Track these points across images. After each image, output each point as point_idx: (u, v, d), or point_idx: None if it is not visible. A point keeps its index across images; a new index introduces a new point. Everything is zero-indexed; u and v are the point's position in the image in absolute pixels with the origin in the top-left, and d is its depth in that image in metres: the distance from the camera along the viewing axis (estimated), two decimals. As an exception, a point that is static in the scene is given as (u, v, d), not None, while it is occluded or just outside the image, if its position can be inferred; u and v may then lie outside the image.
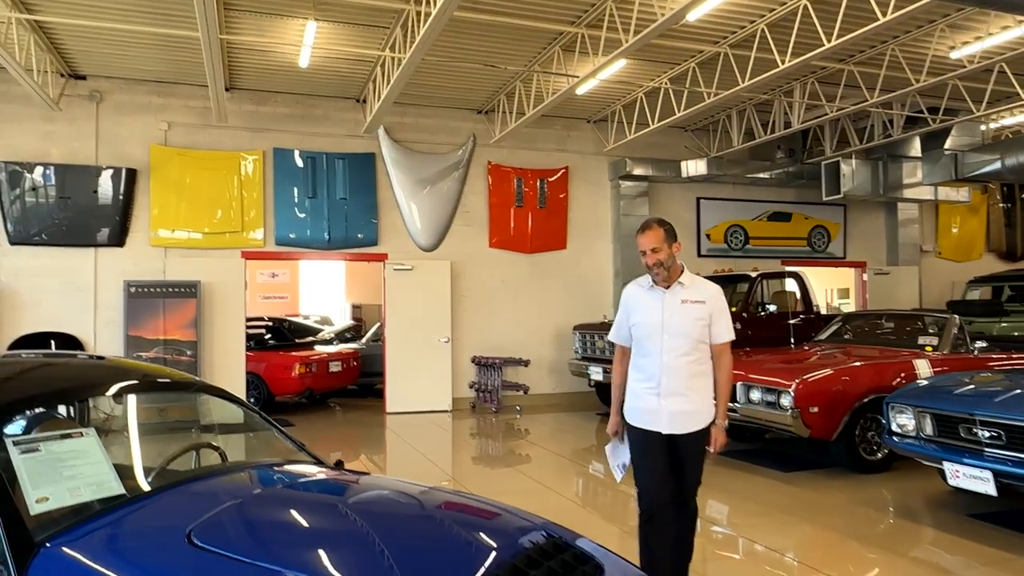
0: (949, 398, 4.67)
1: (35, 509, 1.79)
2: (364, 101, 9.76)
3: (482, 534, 1.93)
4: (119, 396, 2.41)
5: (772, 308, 8.81)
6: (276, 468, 2.46)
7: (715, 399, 3.28)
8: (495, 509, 2.16)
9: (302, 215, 9.63)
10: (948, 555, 4.17)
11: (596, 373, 8.86)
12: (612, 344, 9.24)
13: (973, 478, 4.29)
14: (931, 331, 6.76)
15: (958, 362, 6.04)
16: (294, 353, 9.97)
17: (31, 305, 8.51)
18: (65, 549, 1.71)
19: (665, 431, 3.22)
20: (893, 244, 12.76)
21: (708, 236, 11.64)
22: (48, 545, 1.72)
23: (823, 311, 9.69)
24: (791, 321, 7.98)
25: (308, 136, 9.68)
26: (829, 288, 14.61)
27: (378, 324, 11.96)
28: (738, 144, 10.38)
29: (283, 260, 10.59)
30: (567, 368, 10.04)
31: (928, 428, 4.70)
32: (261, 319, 11.22)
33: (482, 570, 1.70)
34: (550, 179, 10.76)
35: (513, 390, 9.93)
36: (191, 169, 9.11)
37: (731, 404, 6.26)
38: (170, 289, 8.70)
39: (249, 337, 9.63)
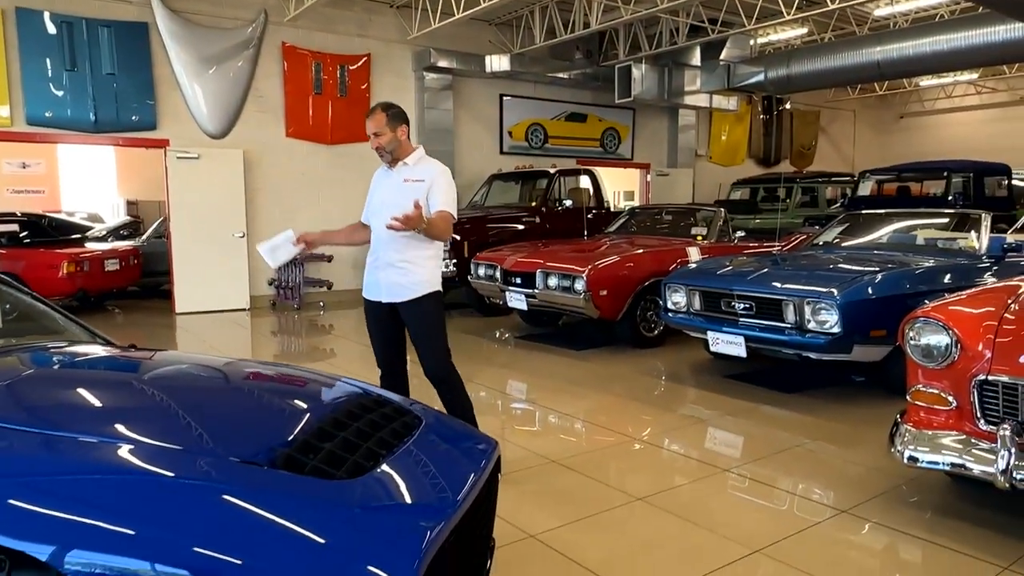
0: (713, 277, 5.34)
1: None
2: (131, -41, 8.46)
3: (296, 396, 1.93)
4: None
5: (568, 203, 9.34)
6: (61, 348, 2.24)
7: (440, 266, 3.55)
8: (307, 374, 2.16)
9: (59, 92, 8.31)
10: (706, 409, 4.89)
11: (402, 267, 8.89)
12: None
13: (729, 343, 5.02)
14: (701, 223, 7.61)
15: (722, 249, 6.89)
16: (60, 250, 8.82)
17: None
18: None
19: (385, 300, 3.49)
20: (673, 148, 13.95)
21: (510, 134, 11.88)
22: None
23: (612, 209, 10.45)
24: (584, 215, 8.52)
25: (60, -4, 8.24)
26: (616, 190, 15.70)
27: (161, 219, 10.91)
28: (540, 41, 10.53)
29: (39, 143, 9.13)
30: (372, 263, 9.95)
31: (696, 304, 5.37)
32: (12, 214, 9.72)
33: (300, 426, 1.71)
34: (351, 67, 10.22)
35: (316, 286, 9.69)
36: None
37: (531, 290, 6.70)
38: None
39: (0, 235, 8.33)
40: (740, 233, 7.45)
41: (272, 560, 1.31)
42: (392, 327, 3.54)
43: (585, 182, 9.86)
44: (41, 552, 1.27)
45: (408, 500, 1.52)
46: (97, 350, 2.28)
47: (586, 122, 12.78)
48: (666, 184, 13.50)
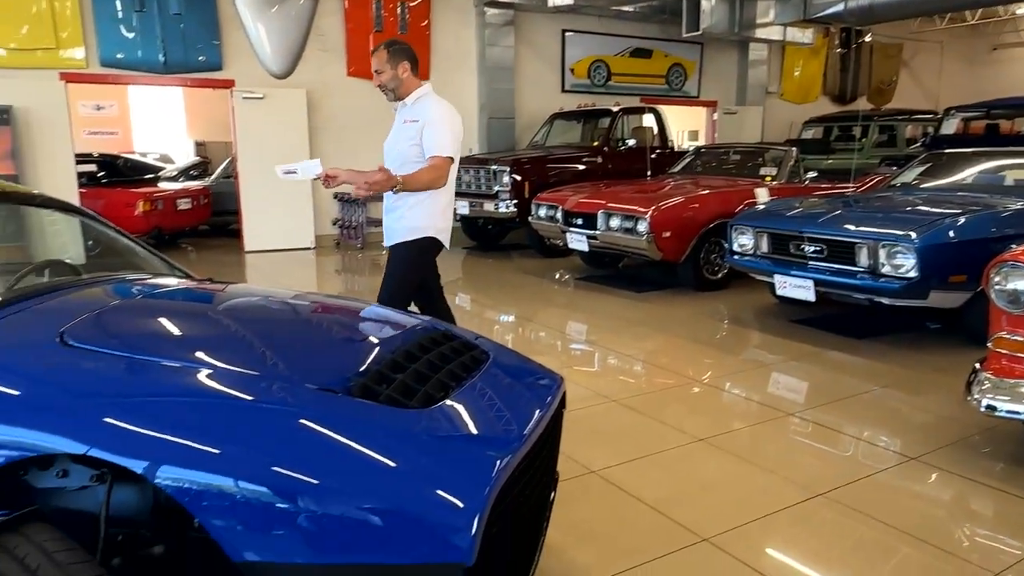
0: (783, 219, 5.17)
1: None
2: None
3: (369, 329, 1.98)
4: None
5: (631, 143, 9.12)
6: (145, 280, 2.34)
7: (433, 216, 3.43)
8: (378, 308, 2.21)
9: (129, 33, 8.47)
10: (770, 353, 4.81)
11: (462, 207, 8.90)
12: (476, 178, 9.24)
13: (797, 287, 4.88)
14: (770, 164, 7.34)
15: (792, 190, 6.64)
16: (136, 190, 9.17)
17: None
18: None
19: (385, 244, 3.53)
20: (742, 85, 13.37)
21: (572, 71, 11.59)
22: None
23: (676, 149, 10.16)
24: (649, 156, 8.32)
25: (128, -64, 8.32)
26: (679, 130, 15.24)
27: (228, 160, 11.17)
28: (605, -27, 10.13)
29: (111, 84, 9.38)
30: (432, 204, 9.99)
31: (764, 246, 5.23)
32: (90, 155, 10.10)
33: (373, 357, 1.76)
34: (411, 3, 10.07)
35: (378, 226, 9.81)
36: (-17, -30, 7.65)
37: (592, 231, 6.64)
38: (-25, 115, 7.56)
39: (79, 175, 8.69)
40: (812, 174, 7.16)
41: (345, 481, 1.37)
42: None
43: (649, 121, 9.59)
44: (136, 467, 1.36)
45: (477, 432, 1.56)
46: (179, 282, 2.37)
47: (651, 58, 12.34)
48: (733, 123, 13.01)
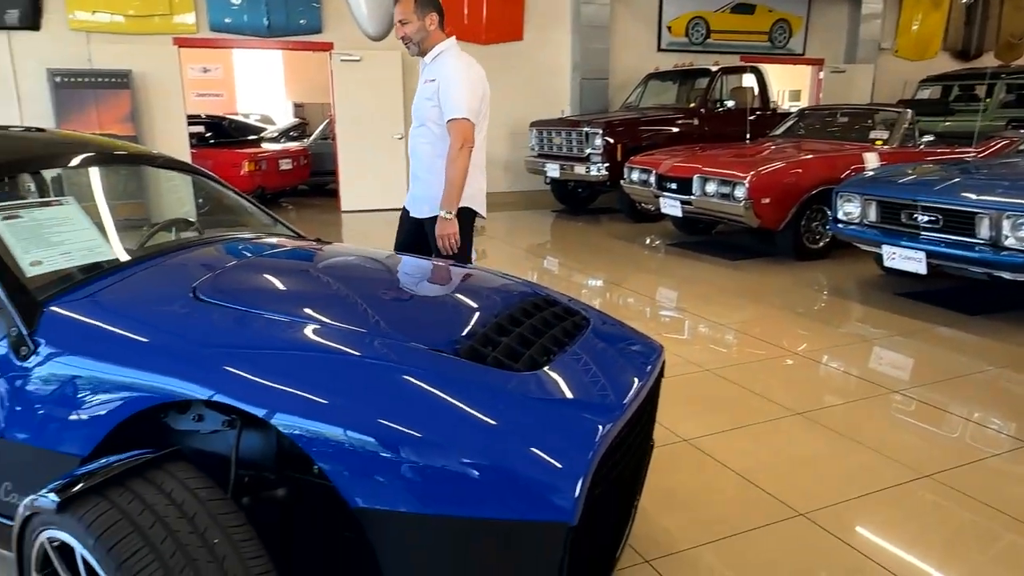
0: (894, 186, 4.89)
1: (30, 271, 1.79)
2: None
3: (476, 292, 2.03)
4: (81, 168, 2.29)
5: (730, 104, 8.78)
6: (263, 240, 2.48)
7: None
8: (482, 272, 2.26)
9: (237, -1, 8.80)
10: (873, 327, 4.61)
11: (553, 170, 8.88)
12: (567, 141, 9.12)
13: (907, 259, 4.63)
14: (881, 126, 6.91)
15: (904, 155, 6.25)
16: (242, 150, 9.60)
17: (-56, 96, 7.84)
18: (69, 308, 1.74)
19: (412, 213, 3.29)
20: (853, 41, 12.56)
21: (669, 29, 11.20)
22: (52, 305, 1.74)
23: (778, 110, 9.71)
24: (747, 116, 8.00)
25: (235, -98, 8.57)
26: (780, 90, 14.53)
27: (326, 121, 11.50)
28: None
29: (219, 48, 9.81)
30: (522, 165, 10.01)
31: (872, 215, 4.97)
32: (199, 116, 10.62)
33: (480, 320, 1.81)
34: (506, -39, 9.96)
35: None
36: (104, -61, 8.08)
37: (686, 196, 6.48)
38: (100, 79, 8.07)
39: (189, 135, 9.17)
40: (927, 137, 6.70)
41: (449, 435, 1.42)
42: (414, 242, 3.30)
43: (750, 81, 9.20)
44: (260, 413, 1.47)
45: (581, 397, 1.59)
46: (293, 242, 2.50)
47: (754, 14, 11.75)
48: (841, 82, 12.27)
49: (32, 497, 1.35)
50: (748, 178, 5.88)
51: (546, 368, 1.64)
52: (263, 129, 12.17)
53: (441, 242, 3.08)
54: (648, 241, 7.56)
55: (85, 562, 1.29)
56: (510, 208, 10.03)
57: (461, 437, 1.43)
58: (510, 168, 10.48)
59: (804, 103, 13.28)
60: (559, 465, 1.38)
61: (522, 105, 10.30)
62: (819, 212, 6.12)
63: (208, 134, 10.35)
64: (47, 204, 1.97)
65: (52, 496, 1.29)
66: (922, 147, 6.58)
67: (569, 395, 1.58)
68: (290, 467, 1.59)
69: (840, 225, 5.24)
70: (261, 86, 15.97)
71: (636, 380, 1.72)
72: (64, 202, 2.02)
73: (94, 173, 2.35)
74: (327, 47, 9.35)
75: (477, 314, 1.85)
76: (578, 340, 1.82)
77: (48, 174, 2.42)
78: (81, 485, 1.31)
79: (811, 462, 2.82)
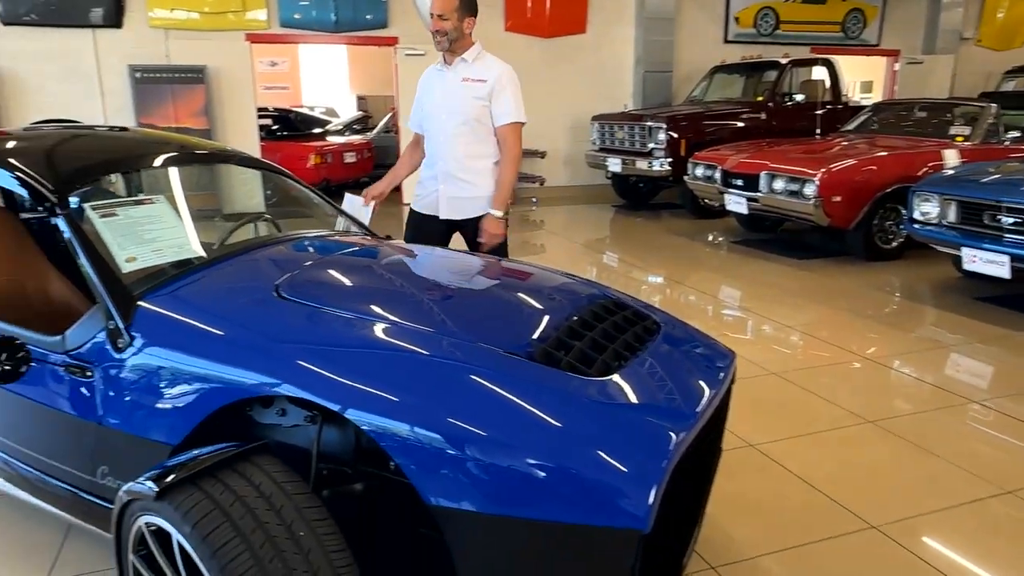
0: (976, 186, 4.68)
1: (126, 267, 1.88)
2: None
3: (542, 293, 2.05)
4: (165, 166, 2.38)
5: (799, 98, 8.54)
6: (336, 237, 2.55)
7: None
8: (552, 273, 2.27)
9: (306, -6, 8.99)
10: (949, 333, 4.44)
11: (614, 165, 8.80)
12: (630, 135, 8.99)
13: (989, 262, 4.44)
14: (963, 121, 6.61)
15: (987, 152, 5.97)
16: (309, 143, 9.84)
17: (35, 91, 8.26)
18: (161, 303, 1.83)
19: (443, 216, 3.21)
20: (932, 30, 12.00)
21: (737, 20, 10.93)
22: (145, 300, 1.83)
23: (850, 103, 9.38)
24: (818, 111, 7.76)
25: (306, -100, 8.75)
26: (852, 81, 14.02)
27: (390, 114, 11.67)
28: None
29: (288, 43, 10.05)
30: (583, 160, 9.95)
31: (951, 215, 4.77)
32: (267, 109, 10.92)
33: (544, 326, 1.81)
34: (571, -46, 9.89)
35: (528, 182, 9.93)
36: (182, -61, 8.38)
37: (752, 193, 6.35)
38: (176, 75, 8.38)
39: (258, 128, 9.44)
40: (1013, 133, 6.38)
41: (521, 439, 1.44)
42: (437, 244, 3.19)
43: (821, 73, 8.91)
44: (339, 409, 1.51)
45: (655, 404, 1.59)
46: (365, 240, 2.56)
47: (826, 3, 11.34)
48: (918, 74, 11.76)
49: (131, 484, 1.43)
50: (818, 175, 5.71)
51: (619, 374, 1.64)
52: (328, 122, 12.43)
53: (493, 241, 3.12)
54: (711, 238, 7.43)
55: (180, 547, 1.37)
56: (569, 202, 10.00)
57: (535, 440, 1.44)
58: (570, 162, 10.44)
59: (876, 95, 12.78)
60: (634, 473, 1.39)
61: (583, 99, 10.24)
62: (893, 211, 5.91)
63: (275, 127, 10.63)
64: (140, 202, 2.07)
65: (151, 484, 1.37)
66: (1007, 144, 6.26)
67: (643, 402, 1.58)
68: (368, 463, 1.64)
69: (916, 226, 5.04)
70: (326, 79, 16.30)
71: (709, 388, 1.71)
72: (155, 200, 2.12)
73: (176, 171, 2.45)
74: (392, 41, 9.48)
75: (549, 317, 1.86)
76: (650, 345, 1.82)
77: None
78: (177, 474, 1.38)
79: (883, 472, 2.74)
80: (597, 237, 7.91)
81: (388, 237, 2.87)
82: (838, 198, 5.71)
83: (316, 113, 13.55)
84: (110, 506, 1.85)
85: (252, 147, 9.06)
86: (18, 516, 2.43)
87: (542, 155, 9.83)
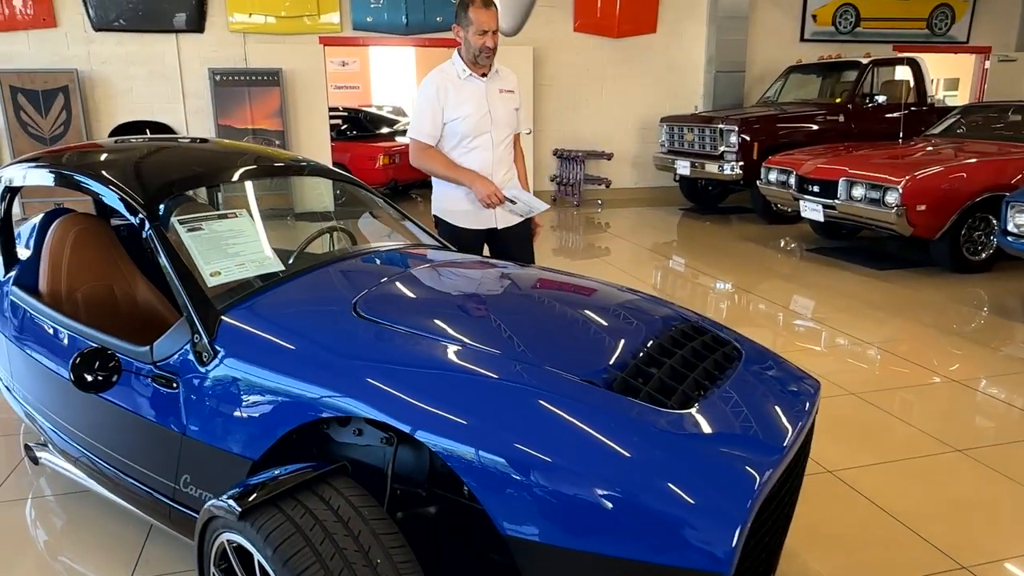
0: (1079, 197, 4.39)
1: (211, 282, 1.93)
2: None
3: (616, 315, 2.00)
4: (246, 179, 2.42)
5: (881, 99, 8.18)
6: (409, 251, 2.56)
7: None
8: (625, 291, 2.22)
9: (378, -2, 9.14)
10: (1045, 353, 4.17)
11: (683, 167, 8.64)
12: (700, 137, 8.77)
13: (1091, 280, 4.15)
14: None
15: (1091, 160, 5.59)
16: (378, 144, 9.99)
17: (123, 93, 8.66)
18: (243, 318, 1.86)
19: (500, 226, 3.20)
20: (1027, 25, 11.34)
21: (814, 17, 10.55)
22: (228, 314, 1.88)
23: (935, 105, 8.94)
24: (900, 114, 7.42)
25: (379, -96, 8.88)
26: (935, 79, 13.37)
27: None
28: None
29: (360, 46, 10.24)
30: (651, 162, 9.80)
31: (1049, 228, 4.49)
32: (337, 109, 11.14)
33: (621, 352, 1.76)
34: (643, -48, 9.74)
35: (595, 184, 9.85)
36: (261, -55, 8.63)
37: (829, 200, 6.13)
38: (254, 77, 8.65)
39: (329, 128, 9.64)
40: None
41: (601, 474, 1.39)
42: (493, 248, 3.35)
43: (904, 74, 8.51)
44: (414, 432, 1.50)
45: (739, 439, 1.52)
46: (437, 255, 2.57)
47: (911, -1, 10.85)
48: (1011, 72, 11.09)
49: (215, 500, 1.46)
50: (902, 183, 5.45)
51: (701, 405, 1.58)
52: (396, 121, 12.60)
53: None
54: (783, 244, 7.20)
55: (261, 567, 1.39)
56: (635, 204, 9.87)
57: (615, 476, 1.39)
58: (637, 164, 10.30)
59: (962, 94, 12.15)
60: (718, 512, 1.33)
61: (652, 99, 10.09)
62: (983, 221, 5.60)
63: (344, 126, 10.84)
64: (224, 216, 2.13)
65: (233, 504, 1.39)
66: (1113, 150, 5.86)
67: (727, 436, 1.52)
68: (441, 486, 1.63)
69: (1010, 238, 4.76)
70: (394, 78, 16.54)
71: (795, 421, 1.64)
72: (238, 214, 2.17)
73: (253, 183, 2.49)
74: (457, 43, 9.51)
75: (625, 341, 1.81)
76: (731, 375, 1.75)
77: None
78: (259, 495, 1.40)
79: (974, 507, 2.59)
80: (663, 241, 7.77)
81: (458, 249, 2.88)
82: (923, 207, 5.44)
83: (384, 112, 13.76)
84: (190, 512, 1.91)
85: (323, 148, 9.27)
86: (104, 514, 2.54)
87: (609, 157, 9.73)
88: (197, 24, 8.63)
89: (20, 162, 2.61)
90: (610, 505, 1.36)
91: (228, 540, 1.47)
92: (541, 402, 1.53)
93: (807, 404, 1.74)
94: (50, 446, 2.60)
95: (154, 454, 1.98)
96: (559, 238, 8.26)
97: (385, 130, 11.43)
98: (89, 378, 1.77)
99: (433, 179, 3.27)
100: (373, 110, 13.29)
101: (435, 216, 3.29)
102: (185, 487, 1.90)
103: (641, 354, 1.74)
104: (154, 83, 8.71)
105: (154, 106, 8.74)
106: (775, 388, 1.77)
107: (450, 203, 3.21)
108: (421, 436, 1.49)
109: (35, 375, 2.44)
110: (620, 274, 6.19)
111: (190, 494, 1.89)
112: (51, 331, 2.33)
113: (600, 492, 1.38)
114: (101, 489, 2.34)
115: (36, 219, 2.87)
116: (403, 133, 11.84)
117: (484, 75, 3.09)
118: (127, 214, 2.06)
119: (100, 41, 8.48)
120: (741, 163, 7.80)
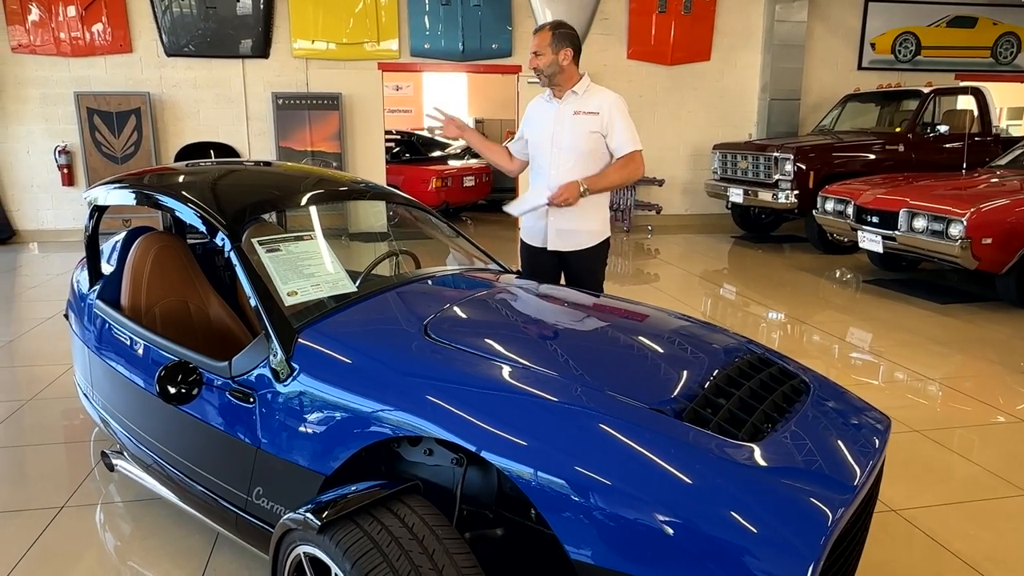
0: None
1: (288, 301, 2.01)
2: None
3: (684, 345, 2.01)
4: (315, 203, 2.49)
5: (943, 129, 8.00)
6: (475, 275, 2.61)
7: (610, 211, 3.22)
8: (691, 321, 2.22)
9: (436, 24, 9.36)
10: (1122, 395, 3.99)
11: (735, 195, 8.57)
12: (754, 165, 8.73)
13: None
14: None
15: None
16: (431, 167, 10.18)
17: (191, 115, 9.03)
18: (319, 338, 1.93)
19: (551, 247, 3.23)
20: (1098, 55, 11.00)
21: (873, 46, 10.42)
22: (304, 334, 1.94)
23: (1001, 135, 8.70)
24: (964, 144, 7.24)
25: (440, -65, 9.14)
26: (999, 108, 13.01)
27: (508, 139, 11.87)
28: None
29: (417, 72, 10.49)
30: (702, 189, 9.75)
31: None
32: (391, 132, 11.39)
33: (688, 382, 1.77)
34: (698, -19, 9.78)
35: (645, 210, 9.83)
36: (325, -25, 8.94)
37: (889, 231, 6.00)
38: (314, 101, 8.93)
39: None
40: None
41: (672, 506, 1.39)
42: (550, 276, 3.32)
43: (967, 103, 8.32)
44: (482, 453, 1.53)
45: (812, 474, 1.51)
46: (506, 277, 2.61)
47: (975, 27, 10.62)
48: (1079, 103, 10.78)
49: (293, 514, 1.51)
50: (967, 215, 5.32)
51: (770, 438, 1.58)
52: (448, 145, 12.82)
53: (558, 197, 3.07)
54: (838, 275, 7.06)
55: (338, 580, 1.43)
56: (686, 231, 9.81)
57: (688, 508, 1.39)
58: (688, 191, 10.25)
59: (1028, 124, 11.81)
60: (793, 549, 1.33)
61: (704, 126, 10.06)
62: (1052, 256, 5.41)
63: (397, 149, 11.08)
64: (300, 238, 2.21)
65: (312, 518, 1.44)
66: None
67: (800, 471, 1.51)
68: (509, 508, 1.66)
69: (1082, 275, 4.59)
70: (446, 102, 16.83)
71: (867, 458, 1.62)
72: (312, 236, 2.25)
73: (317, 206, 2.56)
74: (515, 70, 9.69)
75: (692, 372, 1.82)
76: (801, 408, 1.74)
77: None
78: (336, 510, 1.45)
79: (1049, 554, 2.49)
80: (714, 268, 7.70)
81: (519, 272, 2.92)
82: (988, 240, 5.29)
83: (436, 136, 14.03)
84: (260, 523, 1.97)
85: (379, 170, 9.49)
86: (172, 522, 2.63)
87: (660, 183, 9.71)
88: (262, 50, 8.97)
89: (105, 184, 2.76)
90: (682, 538, 1.36)
91: (305, 552, 1.52)
92: (602, 426, 1.55)
93: (878, 441, 1.71)
94: (125, 453, 2.71)
95: (228, 465, 2.05)
96: (608, 263, 8.24)
97: (437, 153, 11.64)
98: (173, 390, 1.85)
99: None
100: (425, 133, 13.57)
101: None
102: (257, 499, 1.97)
103: (708, 384, 1.75)
104: (220, 106, 9.06)
105: (219, 128, 9.09)
106: (845, 423, 1.75)
107: (526, 218, 3.37)
108: (487, 456, 1.51)
109: (114, 384, 2.56)
110: (669, 300, 6.15)
111: (261, 506, 1.95)
112: (131, 343, 2.44)
113: (672, 526, 1.37)
114: (171, 496, 2.43)
115: (119, 236, 3.02)
116: (456, 156, 12.05)
117: (559, 96, 3.17)
118: (208, 234, 2.16)
119: (171, 66, 8.88)
120: (796, 191, 7.71)
